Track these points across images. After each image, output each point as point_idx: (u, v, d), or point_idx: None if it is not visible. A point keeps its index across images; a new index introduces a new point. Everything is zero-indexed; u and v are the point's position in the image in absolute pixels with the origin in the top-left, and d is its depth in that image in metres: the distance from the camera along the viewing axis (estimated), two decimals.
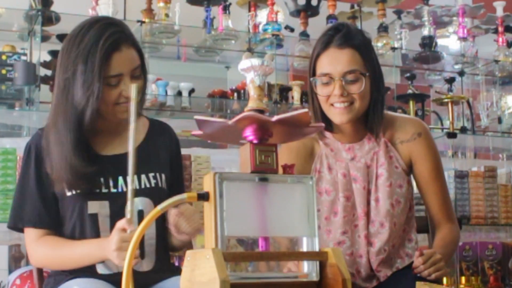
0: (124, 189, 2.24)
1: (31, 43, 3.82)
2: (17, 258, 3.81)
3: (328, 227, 2.44)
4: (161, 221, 2.28)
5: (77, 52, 2.24)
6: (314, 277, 1.59)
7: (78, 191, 2.24)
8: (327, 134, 2.51)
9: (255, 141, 1.57)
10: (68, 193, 2.25)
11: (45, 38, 3.83)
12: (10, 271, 3.53)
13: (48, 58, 3.85)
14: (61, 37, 3.81)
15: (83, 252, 2.20)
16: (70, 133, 2.23)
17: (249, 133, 1.58)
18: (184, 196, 1.58)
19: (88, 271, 2.23)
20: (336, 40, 2.40)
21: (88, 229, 2.23)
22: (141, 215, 2.26)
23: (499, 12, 4.73)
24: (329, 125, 2.47)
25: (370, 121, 2.45)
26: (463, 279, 4.33)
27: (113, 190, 2.25)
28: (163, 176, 2.34)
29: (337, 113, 2.39)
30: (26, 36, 3.88)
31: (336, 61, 2.38)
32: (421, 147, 2.49)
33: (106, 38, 2.23)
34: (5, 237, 3.40)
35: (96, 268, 2.23)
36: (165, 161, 2.39)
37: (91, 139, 2.31)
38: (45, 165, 2.27)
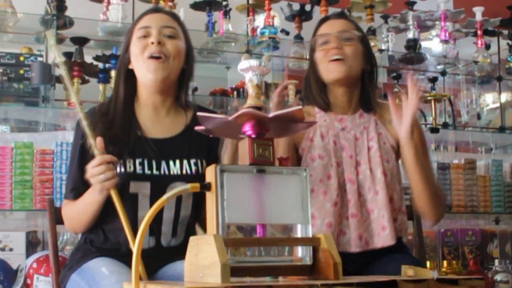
0: (166, 173, 2.24)
1: (47, 45, 3.81)
2: (34, 243, 3.80)
3: (323, 188, 2.42)
4: (197, 204, 2.28)
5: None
6: (308, 261, 1.59)
7: (122, 170, 2.21)
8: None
9: (253, 136, 1.57)
10: None
11: (59, 40, 3.83)
12: (28, 256, 3.53)
13: (62, 59, 3.84)
14: (74, 40, 3.81)
15: (85, 199, 2.18)
16: (120, 109, 2.29)
17: (247, 128, 1.58)
18: (187, 186, 1.58)
19: (114, 250, 2.22)
20: (333, 15, 2.61)
21: (127, 207, 2.16)
22: (179, 199, 2.25)
23: (478, 17, 4.73)
24: (327, 105, 2.53)
25: (363, 92, 2.54)
26: (445, 263, 4.33)
27: (155, 172, 2.23)
28: (204, 162, 2.31)
29: (333, 68, 2.47)
30: (42, 39, 3.87)
31: (333, 26, 2.55)
32: None
33: (143, 12, 2.36)
34: (23, 224, 3.42)
35: (121, 248, 2.21)
36: (206, 148, 2.35)
37: (137, 122, 2.31)
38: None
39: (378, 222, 2.42)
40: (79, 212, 2.24)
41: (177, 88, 2.38)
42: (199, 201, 2.27)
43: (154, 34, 2.28)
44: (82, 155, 2.25)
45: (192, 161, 2.30)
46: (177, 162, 2.26)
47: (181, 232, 2.29)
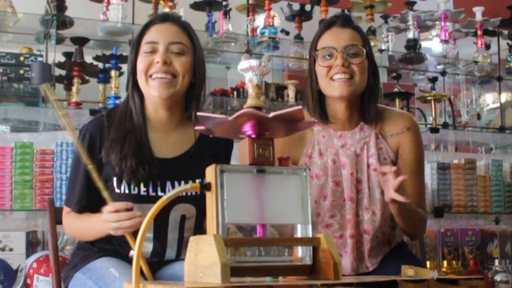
0: None
1: (47, 45, 3.80)
2: (34, 243, 3.81)
3: (317, 210, 2.40)
4: (199, 225, 2.23)
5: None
6: (308, 261, 1.59)
7: (127, 192, 2.16)
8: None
9: (253, 136, 1.57)
10: (117, 190, 2.17)
11: (59, 40, 3.83)
12: (28, 256, 3.53)
13: (62, 59, 3.84)
14: (74, 40, 3.81)
15: (92, 226, 2.15)
16: (133, 126, 2.22)
17: (247, 128, 1.58)
18: (187, 186, 1.58)
19: (117, 251, 2.21)
20: (338, 21, 2.42)
21: None
22: (183, 220, 2.22)
23: (478, 17, 4.73)
24: (325, 116, 2.44)
25: (364, 105, 2.43)
26: (445, 263, 4.33)
27: (160, 193, 2.16)
28: None
29: (338, 86, 2.36)
30: (42, 39, 3.87)
31: (338, 37, 2.39)
32: (409, 141, 2.45)
33: (151, 20, 2.28)
34: (23, 224, 3.42)
35: (125, 248, 2.17)
36: None
37: (145, 141, 2.23)
38: (98, 154, 2.19)
39: (370, 244, 2.39)
40: (84, 231, 2.22)
41: (185, 102, 2.29)
42: (201, 222, 2.22)
43: (161, 52, 2.20)
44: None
45: (199, 181, 2.24)
46: (183, 183, 2.19)
47: (184, 254, 2.27)
